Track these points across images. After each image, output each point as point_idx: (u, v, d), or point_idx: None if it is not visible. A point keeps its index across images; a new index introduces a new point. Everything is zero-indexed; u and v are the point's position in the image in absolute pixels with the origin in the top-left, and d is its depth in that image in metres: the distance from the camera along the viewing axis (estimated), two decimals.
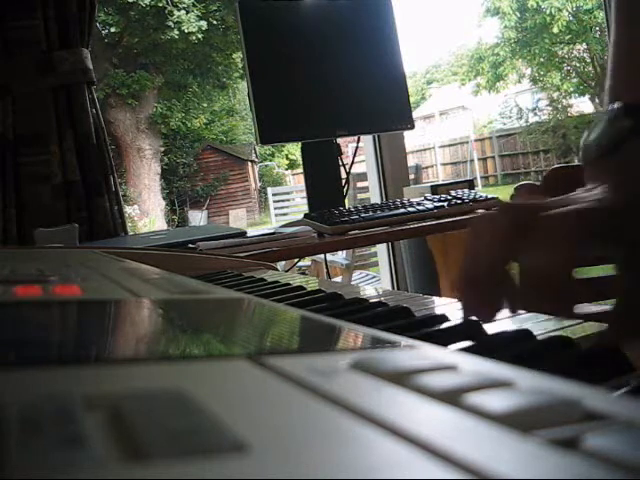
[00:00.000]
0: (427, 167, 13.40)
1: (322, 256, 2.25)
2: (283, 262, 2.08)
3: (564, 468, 0.11)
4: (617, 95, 0.48)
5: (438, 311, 0.42)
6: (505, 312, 0.38)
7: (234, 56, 11.80)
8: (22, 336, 0.23)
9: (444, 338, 0.31)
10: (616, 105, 0.46)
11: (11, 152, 1.53)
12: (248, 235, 1.23)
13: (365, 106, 1.56)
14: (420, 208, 1.37)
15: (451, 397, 0.15)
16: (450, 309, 0.43)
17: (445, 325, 0.36)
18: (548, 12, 11.24)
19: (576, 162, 0.50)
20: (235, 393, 0.16)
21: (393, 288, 1.95)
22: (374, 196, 1.98)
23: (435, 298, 0.49)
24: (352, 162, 1.68)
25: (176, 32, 11.07)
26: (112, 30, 10.83)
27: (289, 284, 0.54)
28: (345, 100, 1.54)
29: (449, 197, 1.44)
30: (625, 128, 0.43)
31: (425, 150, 14.31)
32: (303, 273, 3.19)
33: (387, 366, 0.17)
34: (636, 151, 0.42)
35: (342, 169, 1.58)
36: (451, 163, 13.92)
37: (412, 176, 3.38)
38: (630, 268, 0.36)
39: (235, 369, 0.18)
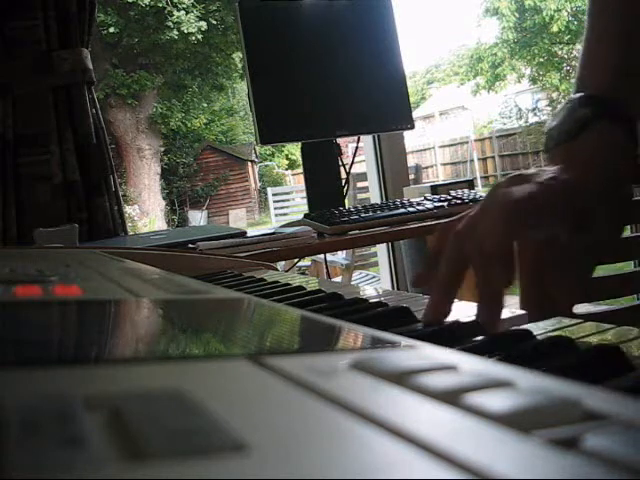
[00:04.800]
0: (427, 167, 13.39)
1: (322, 256, 2.25)
2: (283, 262, 2.08)
3: (564, 468, 0.11)
4: (582, 86, 0.52)
5: None
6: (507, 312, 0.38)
7: (234, 56, 11.79)
8: (22, 336, 0.23)
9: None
10: (577, 95, 0.50)
11: (11, 152, 1.53)
12: (248, 235, 1.23)
13: (365, 106, 1.56)
14: (420, 208, 1.36)
15: (451, 397, 0.15)
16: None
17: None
18: (547, 13, 11.24)
19: None
20: (235, 393, 0.16)
21: (393, 288, 1.95)
22: (374, 196, 1.97)
23: None
24: (352, 162, 1.68)
25: (176, 32, 11.07)
26: (111, 30, 10.82)
27: (289, 284, 0.54)
28: (345, 100, 1.54)
29: (449, 197, 1.44)
30: (583, 117, 0.48)
31: (425, 150, 14.30)
32: (303, 273, 3.19)
33: (387, 366, 0.17)
34: (592, 138, 0.47)
35: (342, 169, 1.58)
36: (451, 163, 13.91)
37: (412, 176, 3.38)
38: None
39: (235, 369, 0.18)
